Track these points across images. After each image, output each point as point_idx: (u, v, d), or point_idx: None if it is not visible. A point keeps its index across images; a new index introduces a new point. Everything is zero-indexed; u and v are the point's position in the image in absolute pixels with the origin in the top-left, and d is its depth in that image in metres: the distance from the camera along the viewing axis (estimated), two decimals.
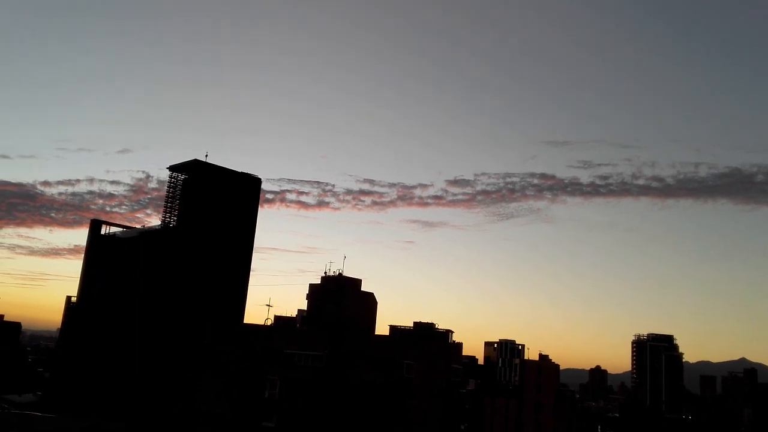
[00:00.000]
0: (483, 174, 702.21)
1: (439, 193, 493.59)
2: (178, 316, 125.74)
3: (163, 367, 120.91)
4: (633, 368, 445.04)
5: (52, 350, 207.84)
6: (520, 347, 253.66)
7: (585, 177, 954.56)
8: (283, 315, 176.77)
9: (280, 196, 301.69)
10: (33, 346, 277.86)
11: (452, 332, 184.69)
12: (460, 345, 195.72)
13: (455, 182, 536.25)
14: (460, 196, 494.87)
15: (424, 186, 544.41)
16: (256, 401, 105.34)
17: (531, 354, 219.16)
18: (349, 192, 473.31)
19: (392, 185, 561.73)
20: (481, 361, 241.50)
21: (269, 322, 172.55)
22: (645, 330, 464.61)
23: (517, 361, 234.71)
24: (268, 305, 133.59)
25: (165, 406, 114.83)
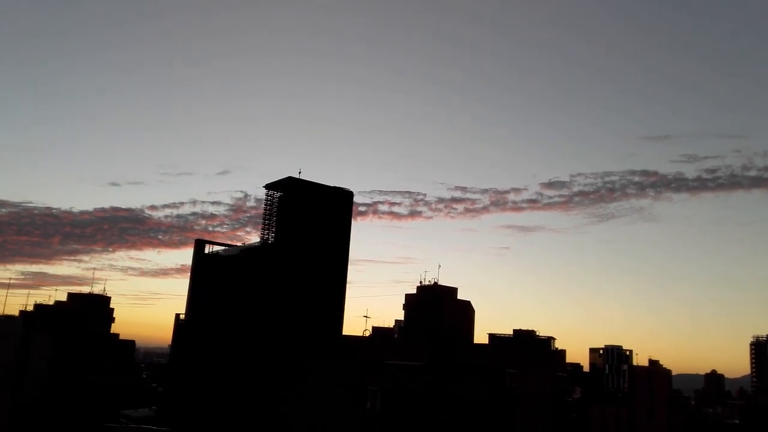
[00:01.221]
0: (579, 174, 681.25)
1: (533, 197, 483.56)
2: (280, 330, 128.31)
3: (268, 380, 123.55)
4: (752, 371, 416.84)
5: (165, 366, 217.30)
6: (627, 353, 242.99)
7: (690, 171, 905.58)
8: (381, 326, 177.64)
9: (372, 208, 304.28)
10: (147, 362, 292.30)
11: (554, 339, 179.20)
12: (563, 352, 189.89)
13: (550, 184, 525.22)
14: (556, 199, 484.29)
15: (517, 190, 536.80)
16: (358, 413, 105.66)
17: (639, 360, 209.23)
18: (441, 200, 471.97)
19: (484, 191, 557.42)
20: (586, 369, 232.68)
21: (367, 333, 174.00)
22: (764, 331, 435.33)
23: (625, 367, 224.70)
24: (366, 316, 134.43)
25: (269, 419, 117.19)
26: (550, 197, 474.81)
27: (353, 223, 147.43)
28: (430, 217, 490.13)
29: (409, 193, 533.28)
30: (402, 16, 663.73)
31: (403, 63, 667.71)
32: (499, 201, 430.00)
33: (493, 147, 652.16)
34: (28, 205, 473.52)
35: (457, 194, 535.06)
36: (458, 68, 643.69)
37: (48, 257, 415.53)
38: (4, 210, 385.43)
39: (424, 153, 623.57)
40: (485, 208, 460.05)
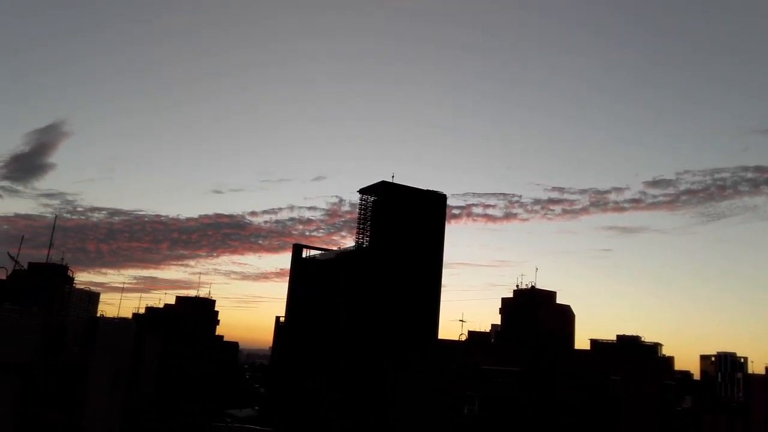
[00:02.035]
0: (686, 172, 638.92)
1: (636, 196, 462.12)
2: (376, 333, 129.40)
3: (365, 383, 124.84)
4: None
5: (266, 367, 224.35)
6: (741, 360, 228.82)
7: None
8: (477, 330, 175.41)
9: (466, 211, 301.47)
10: (249, 364, 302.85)
11: (661, 345, 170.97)
12: (671, 359, 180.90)
13: (654, 183, 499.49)
14: (660, 198, 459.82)
15: (618, 190, 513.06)
16: (455, 418, 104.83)
17: (756, 367, 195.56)
18: (537, 202, 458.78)
19: (583, 191, 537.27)
20: (696, 376, 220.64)
21: (463, 338, 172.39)
22: None
23: (739, 375, 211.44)
24: (461, 320, 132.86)
25: (367, 420, 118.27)
26: (655, 196, 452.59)
27: (447, 226, 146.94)
28: (526, 219, 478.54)
29: (504, 195, 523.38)
30: (489, 17, 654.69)
31: (496, 65, 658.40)
32: (599, 201, 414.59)
33: (591, 146, 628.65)
34: (139, 213, 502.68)
35: (554, 195, 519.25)
36: (552, 67, 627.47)
37: (157, 262, 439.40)
38: (117, 218, 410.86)
39: (519, 154, 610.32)
40: (584, 209, 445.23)
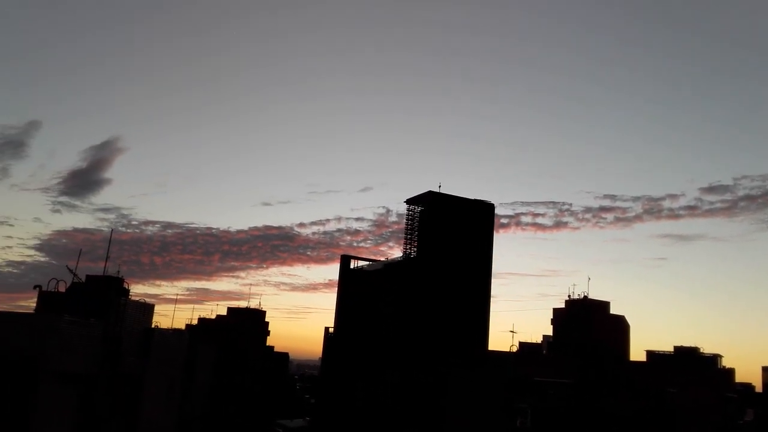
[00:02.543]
0: (744, 177, 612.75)
1: (692, 203, 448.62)
2: (425, 344, 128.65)
3: (415, 394, 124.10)
4: None
5: (316, 378, 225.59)
6: None
7: None
8: (528, 341, 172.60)
9: (514, 220, 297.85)
10: (300, 374, 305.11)
11: (721, 357, 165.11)
12: (731, 371, 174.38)
13: (711, 189, 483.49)
14: (717, 205, 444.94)
15: (673, 196, 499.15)
16: (507, 430, 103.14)
17: None
18: (588, 210, 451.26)
19: (636, 198, 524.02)
20: (759, 389, 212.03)
21: (514, 349, 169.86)
22: None
23: None
24: (512, 331, 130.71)
25: None
26: (711, 203, 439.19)
27: (495, 235, 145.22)
28: (577, 228, 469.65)
29: (554, 203, 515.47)
30: (535, 29, 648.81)
31: (543, 74, 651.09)
32: (653, 209, 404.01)
33: (644, 151, 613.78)
34: (191, 226, 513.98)
35: (606, 203, 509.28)
36: (603, 74, 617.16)
37: (209, 274, 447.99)
38: (170, 231, 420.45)
39: (569, 161, 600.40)
40: (638, 217, 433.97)
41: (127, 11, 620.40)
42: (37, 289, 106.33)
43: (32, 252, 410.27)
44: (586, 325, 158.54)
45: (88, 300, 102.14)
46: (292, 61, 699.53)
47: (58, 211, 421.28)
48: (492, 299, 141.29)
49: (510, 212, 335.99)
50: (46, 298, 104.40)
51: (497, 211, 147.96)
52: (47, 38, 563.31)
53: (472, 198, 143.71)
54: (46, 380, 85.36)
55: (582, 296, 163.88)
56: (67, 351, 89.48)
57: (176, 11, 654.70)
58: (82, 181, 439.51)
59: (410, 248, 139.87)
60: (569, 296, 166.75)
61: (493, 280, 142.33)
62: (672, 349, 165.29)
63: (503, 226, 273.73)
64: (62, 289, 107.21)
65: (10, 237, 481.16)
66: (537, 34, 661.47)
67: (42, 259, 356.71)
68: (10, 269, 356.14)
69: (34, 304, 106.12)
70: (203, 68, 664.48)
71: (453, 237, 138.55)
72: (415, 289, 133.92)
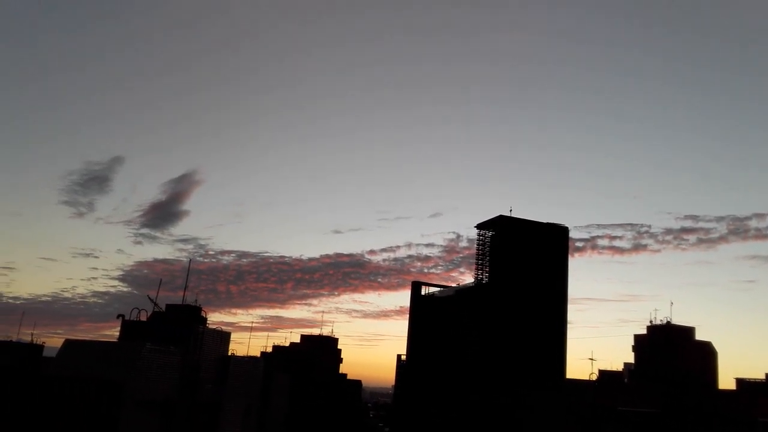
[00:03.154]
0: None
1: None
2: (501, 371, 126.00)
3: (493, 422, 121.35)
4: None
5: (389, 406, 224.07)
6: None
7: None
8: (608, 369, 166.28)
9: (590, 243, 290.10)
10: (372, 402, 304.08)
11: None
12: None
13: None
14: None
15: (761, 216, 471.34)
16: None
17: None
18: (668, 231, 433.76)
19: (720, 219, 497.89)
20: None
21: (594, 377, 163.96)
22: None
23: None
24: (591, 359, 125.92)
25: None
26: None
27: (570, 259, 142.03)
28: (657, 251, 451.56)
29: (632, 225, 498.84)
30: (616, 48, 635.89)
31: (621, 90, 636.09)
32: (738, 229, 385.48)
33: (727, 169, 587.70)
34: (265, 254, 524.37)
35: (688, 224, 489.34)
36: (681, 88, 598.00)
37: (283, 302, 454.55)
38: (245, 260, 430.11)
39: (647, 181, 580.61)
40: (722, 238, 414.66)
41: (199, 49, 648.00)
42: (121, 318, 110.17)
43: (116, 282, 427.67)
44: (671, 351, 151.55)
45: (169, 328, 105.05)
46: (361, 91, 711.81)
47: (139, 242, 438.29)
48: (569, 325, 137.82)
49: (585, 235, 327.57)
50: (128, 326, 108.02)
51: (571, 234, 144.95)
52: (129, 78, 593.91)
53: (545, 221, 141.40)
54: (130, 405, 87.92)
55: (665, 322, 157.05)
56: (149, 378, 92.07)
57: (247, 46, 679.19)
58: (162, 213, 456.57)
59: (482, 274, 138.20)
60: (651, 322, 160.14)
61: (569, 306, 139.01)
62: (764, 377, 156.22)
63: (578, 249, 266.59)
64: (144, 317, 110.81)
65: (96, 269, 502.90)
66: (612, 57, 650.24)
67: (125, 289, 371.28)
68: (95, 299, 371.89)
69: (118, 333, 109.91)
70: (274, 102, 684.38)
71: (526, 261, 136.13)
72: (489, 315, 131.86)
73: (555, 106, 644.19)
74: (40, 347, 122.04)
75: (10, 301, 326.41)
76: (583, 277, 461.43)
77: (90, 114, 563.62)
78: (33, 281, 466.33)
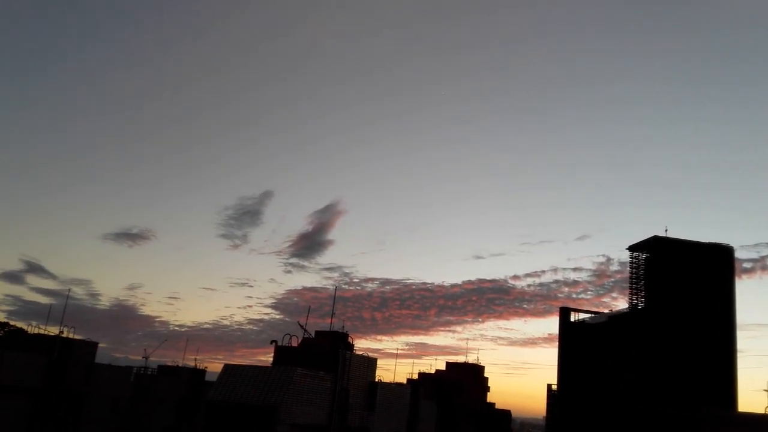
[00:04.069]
0: None
1: None
2: (662, 402, 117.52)
3: None
4: None
5: None
6: None
7: None
8: None
9: (760, 264, 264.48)
10: None
11: None
12: None
13: None
14: None
15: None
16: None
17: None
18: None
19: None
20: None
21: None
22: None
23: None
24: (767, 390, 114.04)
25: None
26: None
27: (737, 282, 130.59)
28: None
29: None
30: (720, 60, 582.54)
31: (753, 93, 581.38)
32: None
33: None
34: (408, 281, 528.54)
35: None
36: None
37: (426, 329, 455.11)
38: (388, 287, 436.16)
39: None
40: None
41: (333, 83, 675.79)
42: (274, 343, 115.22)
43: (269, 310, 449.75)
44: None
45: (318, 354, 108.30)
46: (497, 116, 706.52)
47: (289, 271, 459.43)
48: (739, 354, 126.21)
49: (754, 255, 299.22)
50: (281, 352, 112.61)
51: (737, 254, 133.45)
52: (276, 118, 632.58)
53: (705, 241, 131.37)
54: (284, 429, 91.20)
55: None
56: (301, 402, 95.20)
57: (381, 75, 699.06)
58: (309, 243, 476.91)
59: (637, 299, 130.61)
60: None
61: (738, 333, 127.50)
62: None
63: (746, 271, 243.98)
64: (295, 343, 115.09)
65: (251, 297, 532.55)
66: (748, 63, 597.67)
67: (277, 316, 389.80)
68: (251, 326, 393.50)
69: (272, 358, 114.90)
70: (411, 132, 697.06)
71: (685, 285, 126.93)
72: (647, 343, 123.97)
73: (711, 114, 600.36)
74: (203, 372, 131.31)
75: (176, 328, 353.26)
76: (754, 301, 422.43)
77: (244, 154, 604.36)
78: (195, 310, 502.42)
